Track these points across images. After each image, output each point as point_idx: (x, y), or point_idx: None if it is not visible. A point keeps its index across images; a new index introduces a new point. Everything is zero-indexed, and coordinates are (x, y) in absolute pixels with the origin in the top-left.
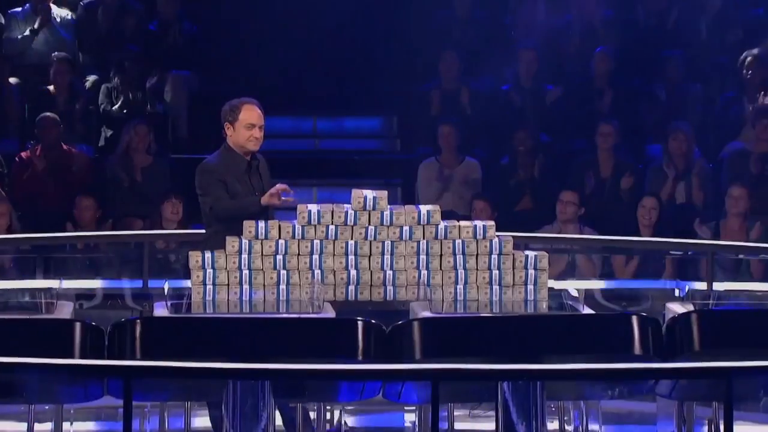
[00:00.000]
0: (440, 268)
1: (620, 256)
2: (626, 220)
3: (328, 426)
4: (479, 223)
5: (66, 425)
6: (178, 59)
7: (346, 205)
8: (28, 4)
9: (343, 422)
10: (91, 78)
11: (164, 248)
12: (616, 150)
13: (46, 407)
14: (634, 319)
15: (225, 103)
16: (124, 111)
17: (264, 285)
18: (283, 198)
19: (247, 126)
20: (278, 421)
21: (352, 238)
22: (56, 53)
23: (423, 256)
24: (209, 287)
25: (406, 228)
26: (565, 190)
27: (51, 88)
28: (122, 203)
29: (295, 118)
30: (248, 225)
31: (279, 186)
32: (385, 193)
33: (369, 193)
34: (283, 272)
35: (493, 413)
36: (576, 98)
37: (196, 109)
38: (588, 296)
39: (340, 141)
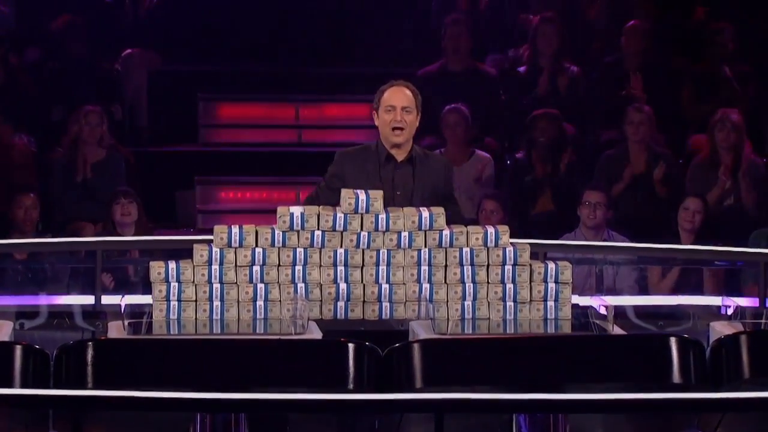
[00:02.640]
0: (445, 282)
1: (657, 267)
2: (664, 225)
3: None
4: (491, 229)
5: None
6: (136, 36)
7: (334, 208)
8: None
9: None
10: (32, 56)
11: (120, 257)
12: (650, 142)
13: None
14: (673, 341)
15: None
16: (72, 95)
17: (238, 301)
18: None
19: (386, 109)
20: None
21: (341, 246)
22: None
23: (425, 267)
24: (173, 304)
25: (404, 234)
26: (591, 189)
27: None
28: (70, 204)
29: (274, 105)
30: (218, 230)
31: None
32: (380, 193)
33: (361, 194)
34: (261, 286)
35: None
36: (604, 81)
37: (156, 94)
38: (619, 314)
39: (326, 131)
